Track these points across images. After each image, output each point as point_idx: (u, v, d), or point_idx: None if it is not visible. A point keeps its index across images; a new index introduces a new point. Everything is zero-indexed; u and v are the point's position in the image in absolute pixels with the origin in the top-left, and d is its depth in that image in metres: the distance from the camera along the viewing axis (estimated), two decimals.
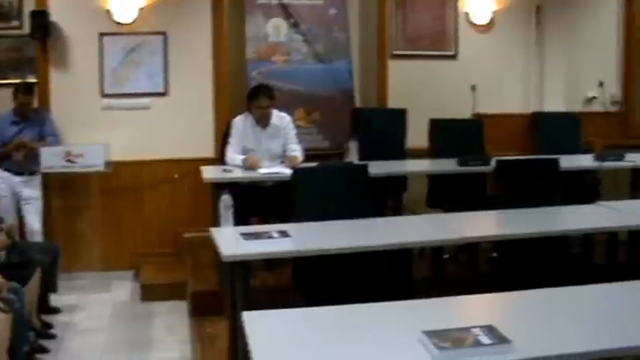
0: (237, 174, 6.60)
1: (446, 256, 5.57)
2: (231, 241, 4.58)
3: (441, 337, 2.82)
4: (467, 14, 9.17)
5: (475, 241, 5.13)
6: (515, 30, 9.34)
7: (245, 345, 2.96)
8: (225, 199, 4.98)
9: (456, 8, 9.13)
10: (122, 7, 7.90)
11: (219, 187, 6.03)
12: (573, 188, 6.55)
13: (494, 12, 9.20)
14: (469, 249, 5.75)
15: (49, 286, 6.50)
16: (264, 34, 8.38)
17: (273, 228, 4.82)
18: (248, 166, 6.71)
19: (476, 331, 2.89)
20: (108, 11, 7.90)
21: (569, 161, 6.86)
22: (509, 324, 3.02)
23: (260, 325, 3.13)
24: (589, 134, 8.42)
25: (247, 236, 4.58)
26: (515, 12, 9.30)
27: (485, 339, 2.83)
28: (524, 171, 6.02)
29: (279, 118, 7.05)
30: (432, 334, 2.85)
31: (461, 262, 6.18)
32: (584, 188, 7.24)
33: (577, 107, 9.16)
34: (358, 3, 9.04)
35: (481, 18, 9.19)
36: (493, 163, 6.22)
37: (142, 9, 7.95)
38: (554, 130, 8.23)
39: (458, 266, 6.22)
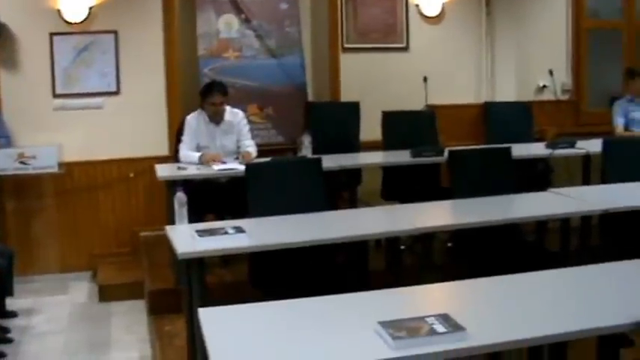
0: (192, 171, 6.57)
1: (402, 247, 5.60)
2: (186, 238, 4.56)
3: (397, 327, 2.84)
4: (417, 6, 9.19)
5: (430, 231, 5.17)
6: (465, 21, 9.39)
7: (203, 342, 2.96)
8: (179, 197, 4.96)
9: (406, 0, 9.14)
10: (72, 6, 7.81)
11: (173, 185, 6.02)
12: (526, 176, 6.61)
13: (444, 3, 9.24)
14: (425, 239, 5.79)
15: (4, 289, 6.42)
16: (215, 31, 8.34)
17: (228, 224, 4.81)
18: (207, 160, 6.69)
19: (431, 320, 2.91)
20: (58, 11, 7.81)
21: (521, 150, 6.91)
22: (464, 312, 3.05)
23: (216, 322, 3.13)
24: (541, 123, 8.50)
25: (202, 233, 4.56)
26: (465, 3, 9.35)
27: (440, 327, 2.85)
28: (477, 160, 6.05)
29: (233, 114, 7.05)
30: (387, 325, 2.87)
31: (417, 253, 6.21)
32: (536, 176, 7.32)
33: (528, 96, 9.23)
34: None
35: (431, 10, 9.23)
36: (446, 153, 6.25)
37: (92, 8, 7.86)
38: (506, 119, 8.28)
39: (414, 257, 6.25)
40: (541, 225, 6.23)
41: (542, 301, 3.30)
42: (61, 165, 7.50)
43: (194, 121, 6.98)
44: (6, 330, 6.31)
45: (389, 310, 3.12)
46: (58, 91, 7.89)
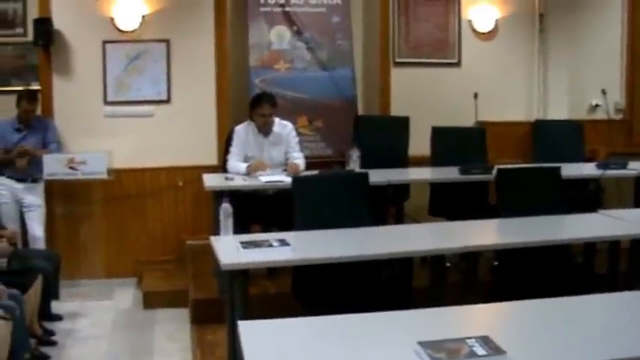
0: (239, 182, 6.58)
1: (448, 264, 5.55)
2: (231, 249, 4.57)
3: (436, 348, 2.81)
4: (470, 22, 9.13)
5: (476, 249, 5.12)
6: (518, 37, 9.30)
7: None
8: (225, 208, 4.95)
9: (459, 16, 9.09)
10: (125, 14, 7.89)
11: (220, 194, 6.02)
12: (576, 197, 6.52)
13: (497, 20, 9.16)
14: (471, 257, 5.73)
15: (50, 293, 6.49)
16: (267, 42, 8.36)
17: (272, 236, 4.82)
18: (253, 170, 6.71)
19: (471, 341, 2.87)
20: (111, 19, 7.89)
21: (571, 169, 6.84)
22: (506, 335, 3.00)
23: (256, 335, 3.12)
24: (593, 142, 8.41)
25: (246, 245, 4.57)
26: (518, 19, 9.27)
27: (480, 350, 2.81)
28: (526, 179, 6.01)
29: (281, 126, 7.05)
30: (427, 345, 2.84)
31: (462, 271, 6.16)
32: (586, 197, 7.22)
33: (581, 115, 9.12)
34: (361, 10, 9.04)
35: (484, 25, 9.16)
36: (494, 171, 6.20)
37: (145, 17, 7.94)
38: (557, 138, 8.19)
39: (459, 275, 6.20)
40: (590, 247, 6.15)
41: (588, 326, 3.24)
42: (110, 171, 7.54)
43: (243, 131, 6.99)
44: (51, 333, 6.37)
45: (430, 329, 3.09)
46: (110, 98, 7.97)
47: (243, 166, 6.83)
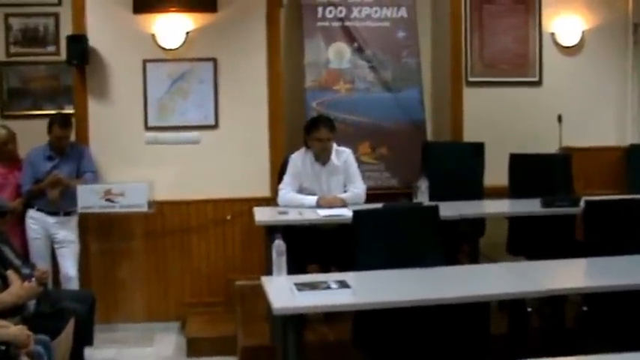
0: (294, 216, 6.56)
1: (529, 309, 5.47)
2: (284, 292, 4.54)
3: None
4: (553, 35, 9.04)
5: (562, 293, 5.03)
6: (608, 51, 9.18)
7: None
8: (278, 245, 4.93)
9: (540, 29, 9.00)
10: (168, 31, 7.95)
11: (272, 230, 6.00)
12: None
13: (584, 32, 9.06)
14: (555, 302, 5.64)
15: (83, 338, 6.47)
16: (324, 60, 8.38)
17: (330, 277, 4.80)
18: (326, 204, 6.70)
19: None
20: (152, 36, 7.96)
21: None
22: None
23: None
24: None
25: (302, 287, 4.53)
26: (608, 31, 9.14)
27: None
28: (618, 213, 5.91)
29: (338, 152, 7.03)
30: None
31: (546, 317, 6.07)
32: None
33: None
34: (430, 24, 9.04)
35: (569, 39, 9.05)
36: (582, 203, 6.11)
37: (189, 33, 7.99)
38: None
39: (542, 321, 6.11)
40: None
41: None
42: (151, 204, 7.55)
43: (299, 160, 6.98)
44: None
45: None
46: (151, 123, 8.03)
47: (310, 199, 6.80)
